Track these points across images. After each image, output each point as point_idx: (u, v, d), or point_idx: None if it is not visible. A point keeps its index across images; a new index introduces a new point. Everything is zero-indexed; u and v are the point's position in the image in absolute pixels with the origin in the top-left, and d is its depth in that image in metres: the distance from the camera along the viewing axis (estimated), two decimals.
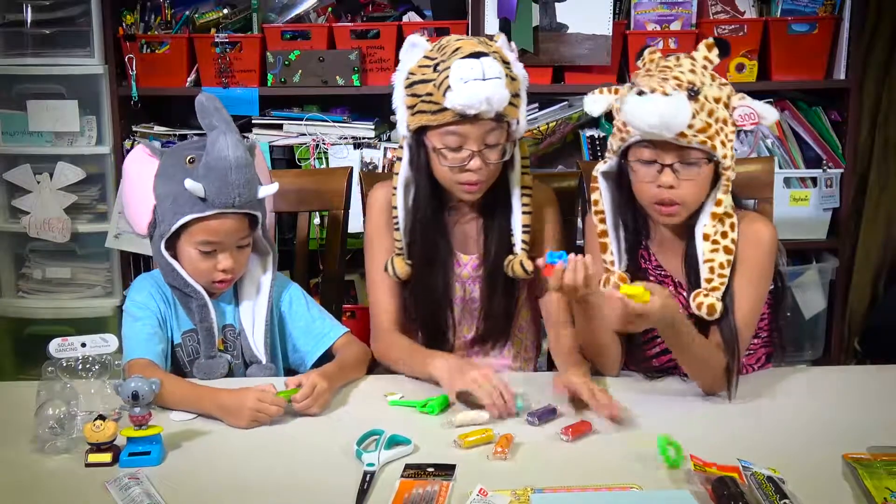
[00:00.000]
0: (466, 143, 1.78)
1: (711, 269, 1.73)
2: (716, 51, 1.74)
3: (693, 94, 1.66)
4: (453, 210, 1.93)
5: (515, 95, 1.79)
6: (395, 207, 1.88)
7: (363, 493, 1.36)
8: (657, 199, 1.73)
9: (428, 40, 1.85)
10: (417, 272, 1.89)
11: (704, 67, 1.72)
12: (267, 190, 1.83)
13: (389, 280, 1.91)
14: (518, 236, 1.88)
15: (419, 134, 1.82)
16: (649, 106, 1.65)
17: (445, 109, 1.74)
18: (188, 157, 1.79)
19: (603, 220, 1.82)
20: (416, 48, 1.83)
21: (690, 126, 1.65)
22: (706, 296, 1.72)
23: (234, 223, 1.80)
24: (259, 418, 1.60)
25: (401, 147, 1.89)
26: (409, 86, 1.80)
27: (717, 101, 1.68)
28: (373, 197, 1.98)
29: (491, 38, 1.86)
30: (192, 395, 1.68)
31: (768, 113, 1.73)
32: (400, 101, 1.84)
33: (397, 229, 1.88)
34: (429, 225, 1.88)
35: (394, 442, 1.51)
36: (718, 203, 1.73)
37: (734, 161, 1.75)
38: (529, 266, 1.85)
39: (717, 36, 1.77)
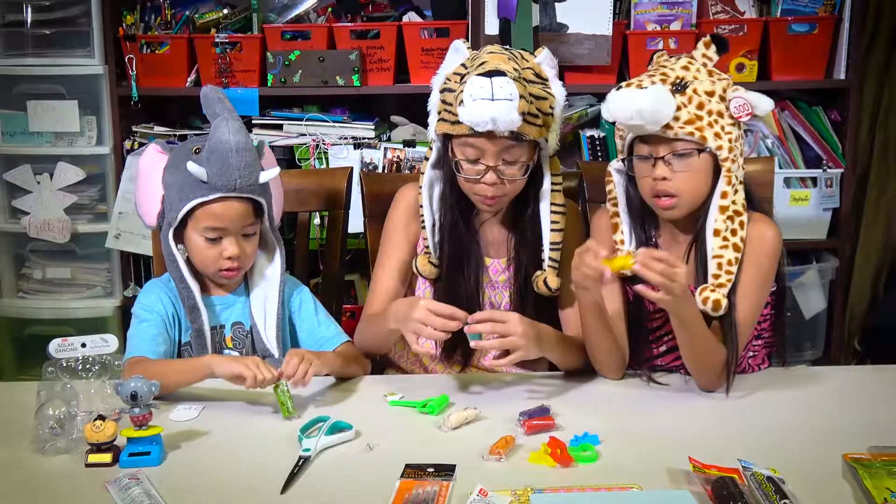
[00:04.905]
0: (483, 156, 1.78)
1: (719, 265, 1.74)
2: (713, 48, 1.79)
3: (679, 87, 1.72)
4: (481, 215, 1.93)
5: (537, 115, 1.77)
6: (422, 206, 1.90)
7: (293, 476, 1.41)
8: (654, 192, 1.77)
9: (469, 48, 1.86)
10: (445, 273, 1.89)
11: (704, 65, 1.77)
12: (268, 174, 1.85)
13: (391, 279, 1.93)
14: (546, 253, 1.88)
15: (446, 139, 1.84)
16: (625, 99, 1.71)
17: (462, 122, 1.75)
18: (194, 148, 1.83)
19: (616, 205, 1.87)
20: (457, 54, 1.86)
21: (676, 118, 1.70)
22: (713, 291, 1.73)
23: (239, 208, 1.82)
24: (248, 366, 1.62)
25: (430, 149, 1.91)
26: (442, 91, 1.83)
27: (709, 94, 1.73)
28: (400, 195, 2.00)
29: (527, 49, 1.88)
30: (188, 366, 1.72)
31: (761, 102, 1.75)
32: (433, 104, 1.86)
33: (424, 227, 1.90)
34: (456, 226, 1.89)
35: (336, 428, 1.55)
36: (724, 195, 1.74)
37: (740, 154, 1.76)
38: (553, 284, 1.86)
39: (690, 38, 1.83)
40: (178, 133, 3.01)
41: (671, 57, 1.82)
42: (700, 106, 1.72)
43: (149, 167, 1.88)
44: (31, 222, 3.00)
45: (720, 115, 1.73)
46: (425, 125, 2.96)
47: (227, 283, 1.90)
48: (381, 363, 2.05)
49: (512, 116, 1.70)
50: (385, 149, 2.95)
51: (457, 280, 1.89)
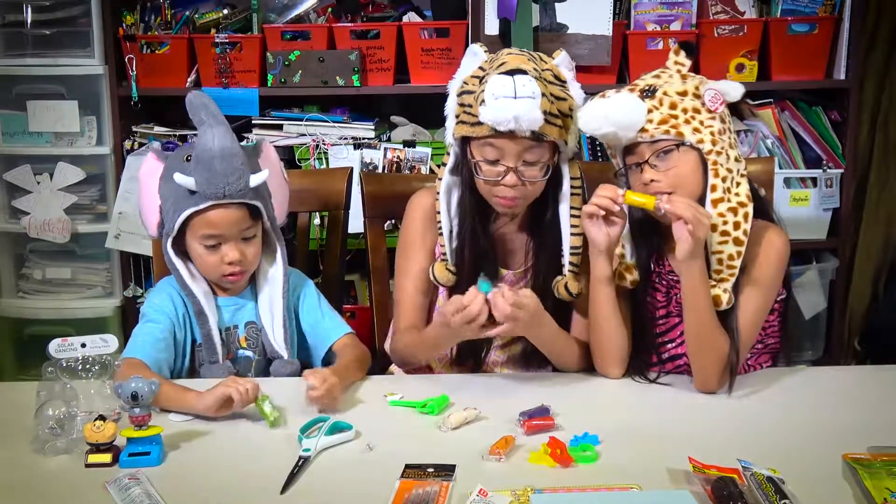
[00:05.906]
0: (503, 157, 1.76)
1: (720, 261, 1.74)
2: (682, 53, 1.81)
3: (649, 93, 1.75)
4: (498, 221, 1.91)
5: (557, 116, 1.76)
6: (439, 213, 1.87)
7: (293, 476, 1.41)
8: None
9: (486, 51, 1.84)
10: (462, 281, 1.86)
11: (678, 71, 1.79)
12: (258, 178, 1.82)
13: (415, 291, 1.92)
14: (567, 257, 1.86)
15: (464, 143, 1.82)
16: (590, 109, 1.76)
17: (482, 123, 1.73)
18: (185, 156, 1.81)
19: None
20: (475, 57, 1.84)
21: (650, 121, 1.73)
22: (713, 286, 1.73)
23: (233, 214, 1.80)
24: (228, 385, 1.59)
25: (448, 154, 1.89)
26: (459, 94, 1.81)
27: (681, 94, 1.75)
28: (415, 203, 1.97)
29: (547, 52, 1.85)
30: (177, 393, 1.67)
31: (730, 88, 1.79)
32: (450, 108, 1.84)
33: (441, 234, 1.88)
34: (474, 233, 1.86)
35: (336, 428, 1.55)
36: (713, 189, 1.73)
37: (729, 147, 1.75)
38: (575, 289, 1.84)
39: (691, 38, 1.83)
40: (178, 133, 3.01)
41: (646, 74, 1.82)
42: (673, 106, 1.73)
43: (147, 177, 1.86)
44: (31, 222, 3.00)
45: (696, 111, 1.74)
46: (425, 125, 3.00)
47: (233, 286, 1.89)
48: (382, 364, 2.05)
49: (535, 114, 1.69)
50: (385, 149, 2.95)
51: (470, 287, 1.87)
